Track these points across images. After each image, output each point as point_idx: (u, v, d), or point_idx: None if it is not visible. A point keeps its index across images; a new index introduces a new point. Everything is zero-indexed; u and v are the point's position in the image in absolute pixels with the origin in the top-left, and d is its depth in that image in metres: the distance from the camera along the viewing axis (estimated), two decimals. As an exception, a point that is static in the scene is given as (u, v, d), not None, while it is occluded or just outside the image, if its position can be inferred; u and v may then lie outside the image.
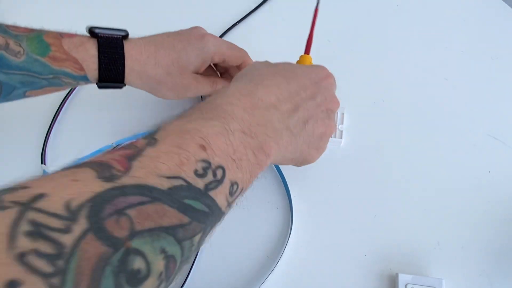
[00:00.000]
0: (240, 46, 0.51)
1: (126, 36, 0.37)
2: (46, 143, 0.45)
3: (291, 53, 0.51)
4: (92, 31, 0.36)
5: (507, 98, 0.47)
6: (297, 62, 0.41)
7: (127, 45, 0.37)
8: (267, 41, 0.52)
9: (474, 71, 0.48)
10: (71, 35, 0.36)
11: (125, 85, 0.39)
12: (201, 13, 0.55)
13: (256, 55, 0.51)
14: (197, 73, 0.41)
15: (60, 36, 0.35)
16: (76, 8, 0.55)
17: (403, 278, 0.36)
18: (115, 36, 0.37)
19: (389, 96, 0.47)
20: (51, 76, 0.35)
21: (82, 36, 0.36)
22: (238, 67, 0.44)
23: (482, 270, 0.38)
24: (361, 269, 0.38)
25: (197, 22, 0.53)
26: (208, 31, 0.52)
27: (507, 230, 0.39)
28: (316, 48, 0.51)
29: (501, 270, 0.38)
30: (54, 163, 0.44)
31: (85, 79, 0.37)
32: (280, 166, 0.42)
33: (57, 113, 0.47)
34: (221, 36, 0.52)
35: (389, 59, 0.50)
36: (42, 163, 0.44)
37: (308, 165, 0.43)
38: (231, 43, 0.43)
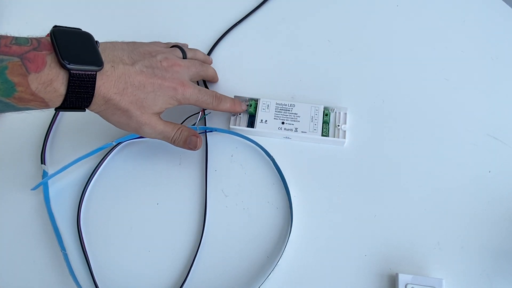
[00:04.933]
0: (240, 46, 0.52)
1: (100, 69, 0.34)
2: (46, 143, 0.45)
3: (291, 53, 0.51)
4: (62, 62, 0.31)
5: (507, 98, 0.47)
6: None
7: (98, 80, 0.34)
8: (267, 41, 0.52)
9: (474, 71, 0.49)
10: (36, 66, 0.31)
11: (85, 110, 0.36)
12: (201, 14, 0.55)
13: (257, 55, 0.51)
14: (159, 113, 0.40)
15: (26, 71, 0.30)
16: (75, 5, 0.55)
17: (403, 278, 0.36)
18: (89, 73, 0.33)
19: (389, 96, 0.47)
20: (13, 111, 0.33)
21: (50, 68, 0.31)
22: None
23: (482, 270, 0.38)
24: (361, 269, 0.38)
25: (197, 22, 0.54)
26: (209, 31, 0.53)
27: (507, 230, 0.39)
28: (316, 48, 0.51)
29: (501, 270, 0.38)
30: (54, 163, 0.44)
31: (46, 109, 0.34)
32: (280, 166, 0.42)
33: (57, 113, 0.47)
34: (222, 37, 0.52)
35: (389, 59, 0.50)
36: (42, 163, 0.44)
37: (308, 165, 0.43)
38: (203, 92, 0.41)
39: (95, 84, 0.34)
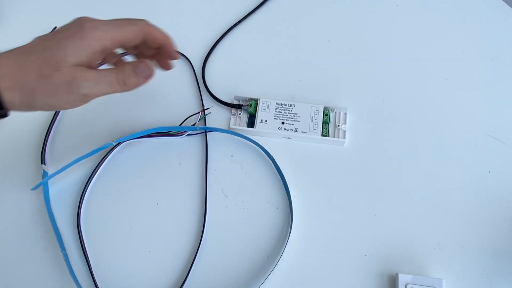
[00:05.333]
0: (240, 46, 0.52)
1: None
2: (46, 143, 0.45)
3: (291, 53, 0.51)
4: None
5: (507, 98, 0.47)
6: None
7: None
8: (267, 41, 0.52)
9: (474, 71, 0.49)
10: None
11: (7, 113, 0.32)
12: (201, 13, 0.55)
13: (257, 55, 0.51)
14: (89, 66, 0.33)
15: None
16: (74, 5, 0.55)
17: (403, 278, 0.36)
18: None
19: (389, 96, 0.47)
20: None
21: None
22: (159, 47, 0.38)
23: (482, 270, 0.38)
24: (361, 269, 0.38)
25: (197, 22, 0.54)
26: (209, 32, 0.53)
27: (507, 230, 0.39)
28: (316, 48, 0.51)
29: (501, 270, 0.38)
30: (54, 163, 0.44)
31: None
32: (280, 166, 0.42)
33: (57, 112, 0.47)
34: (222, 37, 0.52)
35: (389, 59, 0.50)
36: (42, 163, 0.44)
37: (308, 165, 0.43)
38: (125, 21, 0.35)
39: None
